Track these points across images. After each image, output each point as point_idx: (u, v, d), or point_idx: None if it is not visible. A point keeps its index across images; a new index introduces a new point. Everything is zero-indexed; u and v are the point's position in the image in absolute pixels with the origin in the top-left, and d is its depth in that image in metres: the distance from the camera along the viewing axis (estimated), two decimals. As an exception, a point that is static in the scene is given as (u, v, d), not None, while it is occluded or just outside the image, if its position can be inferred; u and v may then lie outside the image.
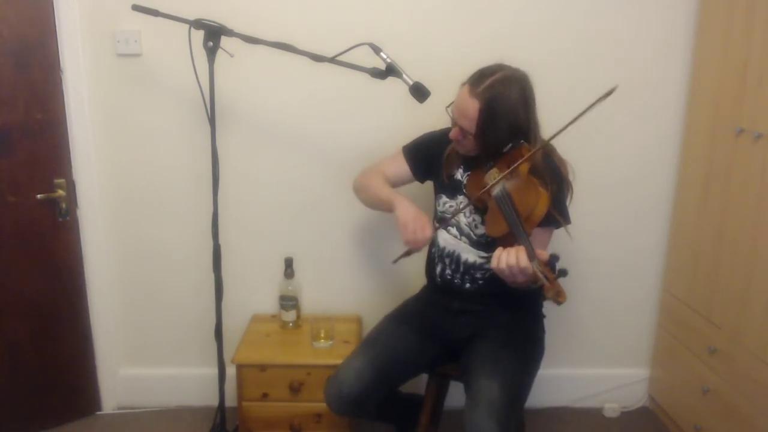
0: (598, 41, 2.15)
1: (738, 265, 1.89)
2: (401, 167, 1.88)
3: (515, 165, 1.55)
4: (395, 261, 1.74)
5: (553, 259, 1.42)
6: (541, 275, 1.39)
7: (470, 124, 1.59)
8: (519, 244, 1.44)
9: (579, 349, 2.45)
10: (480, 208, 1.66)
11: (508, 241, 1.49)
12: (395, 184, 1.88)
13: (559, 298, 1.37)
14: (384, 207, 1.76)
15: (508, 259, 1.42)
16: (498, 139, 1.60)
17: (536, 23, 2.12)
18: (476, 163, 1.72)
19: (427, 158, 1.85)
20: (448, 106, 1.68)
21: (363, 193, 1.90)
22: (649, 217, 2.33)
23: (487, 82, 1.56)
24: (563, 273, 1.42)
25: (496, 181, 1.58)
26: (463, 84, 1.64)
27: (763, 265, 1.78)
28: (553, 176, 1.63)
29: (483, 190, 1.60)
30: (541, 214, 1.52)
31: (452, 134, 1.68)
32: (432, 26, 2.11)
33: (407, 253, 1.70)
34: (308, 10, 2.09)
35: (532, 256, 1.40)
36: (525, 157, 1.55)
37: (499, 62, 1.63)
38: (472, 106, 1.57)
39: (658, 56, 2.17)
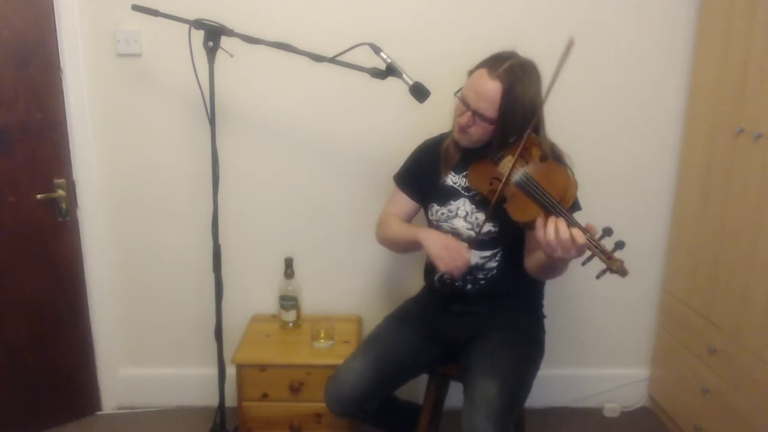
0: (598, 41, 2.15)
1: (738, 265, 1.89)
2: (402, 200, 1.86)
3: (523, 145, 1.52)
4: (445, 293, 1.78)
5: (606, 232, 1.35)
6: (597, 250, 1.33)
7: (490, 107, 1.55)
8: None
9: (579, 349, 2.45)
10: (489, 199, 1.61)
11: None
12: (407, 219, 1.87)
13: (623, 270, 1.32)
14: (414, 247, 1.71)
15: (559, 235, 1.35)
16: (518, 122, 1.56)
17: (536, 23, 2.12)
18: (469, 164, 1.71)
19: (418, 176, 1.83)
20: (456, 92, 1.65)
21: (389, 244, 1.87)
22: (649, 217, 2.33)
23: (507, 64, 1.54)
24: (620, 245, 1.33)
25: (512, 165, 1.53)
26: (473, 70, 1.61)
27: (763, 265, 1.78)
28: (561, 163, 1.62)
29: (503, 179, 1.55)
30: (573, 196, 1.48)
31: (462, 120, 1.62)
32: (432, 26, 2.11)
33: (452, 279, 1.70)
34: (308, 10, 2.09)
35: (584, 231, 1.35)
36: (526, 136, 1.53)
37: (509, 49, 1.61)
38: (494, 88, 1.53)
39: (658, 56, 2.17)
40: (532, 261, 1.63)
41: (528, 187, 1.51)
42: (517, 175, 1.55)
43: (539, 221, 1.41)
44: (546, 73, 1.56)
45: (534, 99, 1.57)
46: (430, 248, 1.62)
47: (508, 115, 1.56)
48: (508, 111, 1.55)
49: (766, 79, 1.76)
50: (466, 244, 1.62)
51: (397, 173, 1.90)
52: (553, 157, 1.61)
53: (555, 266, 1.52)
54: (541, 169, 1.54)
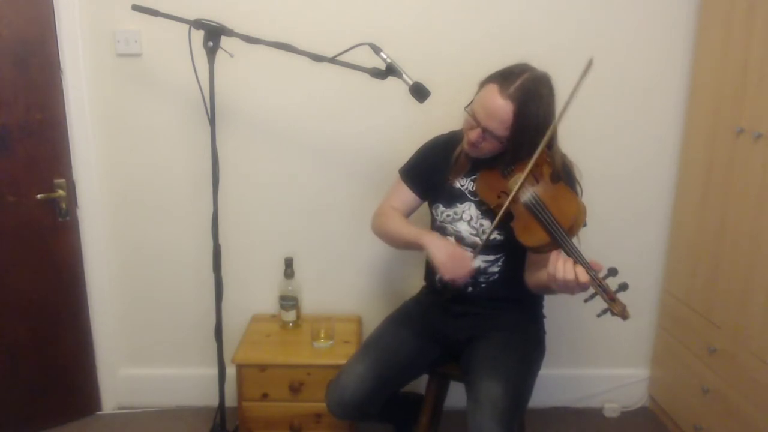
0: (599, 41, 2.15)
1: (738, 265, 1.89)
2: (405, 194, 1.83)
3: (534, 162, 1.49)
4: (445, 298, 1.74)
5: (611, 273, 1.35)
6: (600, 290, 1.32)
7: (500, 126, 1.52)
8: (565, 253, 1.39)
9: (579, 349, 2.45)
10: (495, 213, 1.59)
11: (547, 249, 1.44)
12: (407, 213, 1.85)
13: (625, 313, 1.31)
14: (414, 247, 1.69)
15: (565, 275, 1.36)
16: (530, 140, 1.52)
17: (536, 23, 2.12)
18: (479, 170, 1.69)
19: (425, 173, 1.81)
20: (467, 107, 1.61)
21: (386, 238, 1.84)
22: (649, 217, 2.33)
23: (518, 82, 1.50)
24: (624, 287, 1.33)
25: (521, 183, 1.50)
26: (484, 83, 1.57)
27: (763, 265, 1.78)
28: (570, 181, 1.62)
29: (511, 195, 1.52)
30: (581, 225, 1.46)
31: (472, 136, 1.59)
32: (432, 26, 2.11)
33: (454, 286, 1.66)
34: (308, 10, 2.09)
35: (589, 269, 1.34)
36: (536, 154, 1.49)
37: (522, 62, 1.58)
38: (505, 108, 1.49)
39: (659, 56, 2.17)
40: (532, 279, 1.62)
41: (536, 211, 1.49)
42: (526, 195, 1.52)
43: (552, 256, 1.40)
44: (558, 84, 1.55)
45: (547, 116, 1.53)
46: (435, 255, 1.59)
47: (520, 135, 1.52)
48: (519, 130, 1.52)
49: (766, 79, 1.76)
50: (470, 254, 1.59)
51: (403, 167, 1.87)
52: (563, 174, 1.59)
53: (554, 292, 1.51)
54: (551, 191, 1.51)
